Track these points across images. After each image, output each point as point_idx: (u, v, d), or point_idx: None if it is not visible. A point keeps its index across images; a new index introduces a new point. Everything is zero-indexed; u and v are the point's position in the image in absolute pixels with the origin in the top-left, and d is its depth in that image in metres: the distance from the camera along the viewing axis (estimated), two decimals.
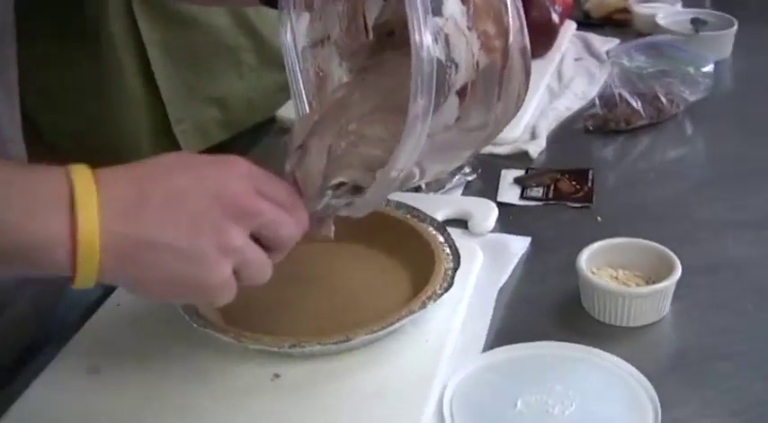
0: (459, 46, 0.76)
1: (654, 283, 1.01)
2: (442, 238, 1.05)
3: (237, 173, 0.77)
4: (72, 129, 1.51)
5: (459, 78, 0.78)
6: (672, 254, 1.02)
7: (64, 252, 0.70)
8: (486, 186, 1.29)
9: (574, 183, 1.27)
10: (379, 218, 1.07)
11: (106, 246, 0.70)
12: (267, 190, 0.78)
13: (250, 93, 1.56)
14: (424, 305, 0.94)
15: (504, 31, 0.79)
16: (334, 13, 0.95)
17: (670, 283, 0.99)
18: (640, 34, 1.80)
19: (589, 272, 1.01)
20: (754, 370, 0.95)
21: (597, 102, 1.45)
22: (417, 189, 1.23)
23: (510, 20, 0.79)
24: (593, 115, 1.45)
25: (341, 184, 0.86)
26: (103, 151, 1.36)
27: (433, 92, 0.74)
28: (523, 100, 0.85)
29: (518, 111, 0.86)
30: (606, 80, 1.47)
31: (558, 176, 1.29)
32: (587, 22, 1.88)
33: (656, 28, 1.73)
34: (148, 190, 0.72)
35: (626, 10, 1.89)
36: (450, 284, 0.97)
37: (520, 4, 0.80)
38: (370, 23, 0.96)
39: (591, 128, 1.44)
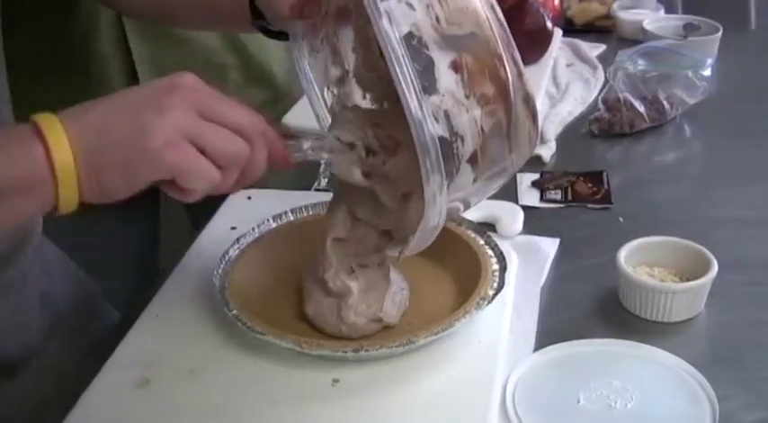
0: (461, 118, 0.78)
1: (687, 279, 1.04)
2: (482, 241, 1.06)
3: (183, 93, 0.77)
4: None
5: (467, 148, 0.79)
6: (707, 251, 1.05)
7: (45, 170, 0.72)
8: (503, 190, 1.29)
9: (590, 185, 1.30)
10: None
11: (76, 154, 0.72)
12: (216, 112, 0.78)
13: None
14: (479, 306, 0.95)
15: (503, 88, 0.80)
16: (348, 47, 0.95)
17: (709, 278, 1.02)
18: (623, 40, 1.84)
19: (630, 269, 1.03)
20: None
21: (602, 106, 1.48)
22: None
23: (507, 71, 0.80)
24: (597, 119, 1.48)
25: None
26: None
27: (443, 169, 0.77)
28: (536, 142, 0.87)
29: (533, 151, 0.88)
30: (611, 84, 1.49)
31: (574, 179, 1.31)
32: (571, 29, 1.91)
33: (642, 33, 1.76)
34: (105, 103, 0.76)
35: (608, 16, 1.93)
36: (502, 284, 0.98)
37: (514, 48, 0.81)
38: None
39: (596, 131, 1.47)
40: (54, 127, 0.72)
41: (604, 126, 1.47)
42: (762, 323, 1.03)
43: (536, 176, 1.33)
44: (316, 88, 0.99)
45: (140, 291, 1.51)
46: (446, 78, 0.77)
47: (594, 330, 1.01)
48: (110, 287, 1.41)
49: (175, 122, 0.74)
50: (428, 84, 0.76)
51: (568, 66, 1.72)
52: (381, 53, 0.88)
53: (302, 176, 1.35)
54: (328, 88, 0.98)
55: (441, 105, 0.77)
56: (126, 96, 0.77)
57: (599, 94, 1.56)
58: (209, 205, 1.29)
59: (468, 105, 0.78)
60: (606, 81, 1.58)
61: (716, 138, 1.51)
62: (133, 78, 1.43)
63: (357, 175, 0.87)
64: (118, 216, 1.50)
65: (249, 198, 1.27)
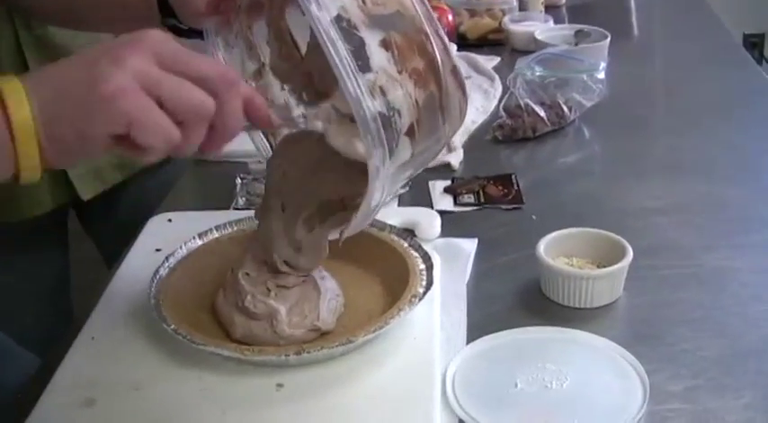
0: (396, 93, 0.81)
1: (604, 267, 1.09)
2: (406, 244, 1.09)
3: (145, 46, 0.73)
4: None
5: (405, 122, 0.82)
6: (622, 239, 1.10)
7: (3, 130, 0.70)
8: (418, 197, 1.35)
9: (500, 187, 1.35)
10: None
11: (34, 111, 0.70)
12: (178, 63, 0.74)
13: None
14: (411, 303, 0.98)
15: (431, 61, 0.83)
16: (262, 40, 0.98)
17: (625, 263, 1.07)
18: (516, 51, 1.91)
19: (550, 260, 1.07)
20: (710, 330, 1.04)
21: (503, 113, 1.53)
22: None
23: (434, 45, 0.83)
24: (501, 126, 1.53)
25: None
26: None
27: (385, 143, 0.79)
28: (465, 111, 0.90)
29: (463, 121, 0.91)
30: (512, 91, 1.54)
31: (485, 183, 1.36)
32: (465, 44, 1.97)
33: (534, 44, 1.83)
34: (65, 60, 0.74)
35: (499, 29, 1.99)
36: (431, 282, 1.02)
37: (438, 25, 0.85)
38: (299, 39, 1.00)
39: (500, 137, 1.52)
40: (13, 84, 0.71)
41: (508, 132, 1.52)
42: (677, 302, 1.09)
43: (447, 183, 1.38)
44: None
45: (54, 329, 1.51)
46: (378, 56, 0.80)
47: (521, 321, 1.05)
48: (22, 327, 1.40)
49: (130, 69, 0.71)
50: (362, 63, 0.79)
51: (467, 78, 1.77)
52: (296, 44, 0.93)
53: (219, 198, 1.37)
54: (246, 82, 0.98)
55: (376, 82, 0.79)
56: (86, 51, 0.74)
57: (499, 103, 1.62)
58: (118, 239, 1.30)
59: (402, 80, 0.81)
60: (505, 90, 1.64)
61: (613, 136, 1.59)
62: None
63: (359, 148, 0.86)
64: (29, 256, 1.49)
65: (170, 220, 1.29)
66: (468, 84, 1.66)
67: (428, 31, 0.83)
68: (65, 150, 0.72)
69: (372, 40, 0.80)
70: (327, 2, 0.79)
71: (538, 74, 1.54)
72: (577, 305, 1.07)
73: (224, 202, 1.36)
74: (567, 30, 1.89)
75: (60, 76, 0.73)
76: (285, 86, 0.98)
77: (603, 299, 1.07)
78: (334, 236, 0.96)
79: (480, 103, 1.65)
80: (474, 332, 1.03)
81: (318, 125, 0.89)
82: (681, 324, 1.04)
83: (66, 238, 1.60)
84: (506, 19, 1.99)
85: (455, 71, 0.85)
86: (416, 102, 0.82)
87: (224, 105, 0.75)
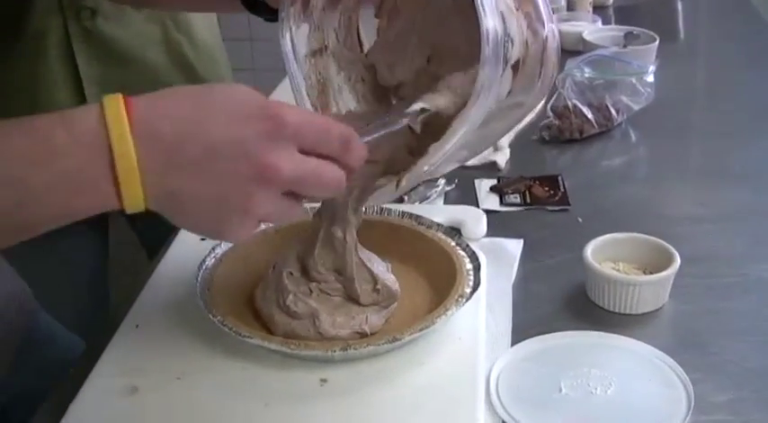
0: (512, 23, 0.81)
1: (650, 273, 1.08)
2: (453, 242, 1.09)
3: (283, 134, 0.73)
4: None
5: (514, 53, 0.82)
6: (669, 246, 1.09)
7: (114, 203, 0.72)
8: (464, 196, 1.35)
9: (546, 188, 1.34)
10: (388, 227, 1.12)
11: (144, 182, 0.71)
12: (314, 143, 0.76)
13: None
14: (458, 303, 0.98)
15: (540, 16, 0.85)
16: (331, 26, 0.99)
17: (672, 270, 1.06)
18: (564, 51, 1.88)
19: (596, 264, 1.07)
20: (755, 341, 1.03)
21: (551, 114, 1.52)
22: (400, 200, 1.27)
23: (542, 8, 0.86)
24: (548, 126, 1.52)
25: None
26: None
27: (500, 63, 0.79)
28: (554, 81, 0.92)
29: (548, 92, 0.93)
30: (560, 92, 1.54)
31: (531, 183, 1.35)
32: None
33: (581, 44, 1.82)
34: (184, 135, 0.72)
35: None
36: (478, 282, 1.02)
37: (548, 3, 0.87)
38: (364, 38, 1.01)
39: (547, 138, 1.52)
40: (131, 172, 0.71)
41: (555, 132, 1.52)
42: (723, 311, 1.08)
43: (493, 182, 1.37)
44: (294, 56, 0.98)
45: (92, 316, 1.52)
46: None
47: (566, 324, 1.05)
48: (61, 313, 1.41)
49: (256, 216, 0.75)
50: None
51: None
52: (360, 40, 0.96)
53: None
54: (305, 57, 0.99)
55: (497, 6, 0.79)
56: (218, 152, 0.72)
57: (546, 103, 1.61)
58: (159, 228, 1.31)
59: (518, 16, 0.82)
60: (552, 90, 1.63)
61: (660, 141, 1.58)
62: (81, 100, 1.43)
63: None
64: (70, 241, 1.50)
65: None
66: None
67: None
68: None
69: None
70: None
71: (587, 75, 1.54)
72: (623, 311, 1.06)
73: None
74: (616, 31, 1.88)
75: (181, 188, 0.73)
76: (341, 72, 0.99)
77: (649, 305, 1.06)
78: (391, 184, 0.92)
79: None
80: (518, 334, 1.03)
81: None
82: (725, 334, 1.03)
83: (106, 224, 1.61)
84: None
85: (555, 38, 0.88)
86: (526, 41, 0.83)
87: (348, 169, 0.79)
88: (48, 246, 1.47)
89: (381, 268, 1.01)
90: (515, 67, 0.83)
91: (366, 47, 1.02)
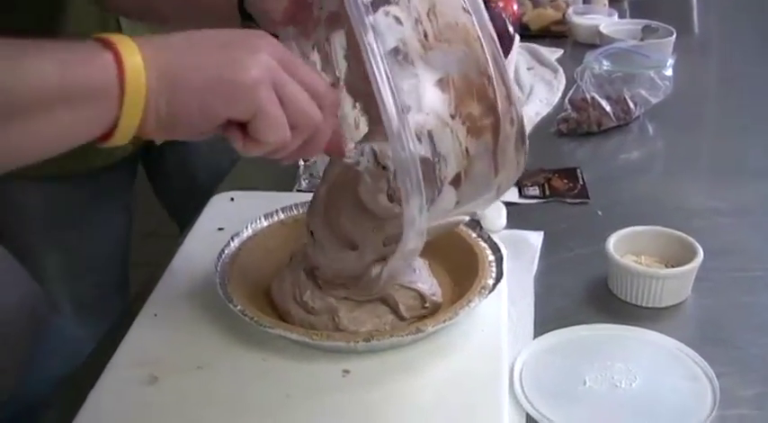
0: (445, 139, 0.76)
1: (672, 266, 1.07)
2: (474, 234, 1.08)
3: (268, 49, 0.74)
4: None
5: (450, 170, 0.77)
6: (692, 239, 1.08)
7: (112, 76, 0.68)
8: None
9: (565, 181, 1.33)
10: None
11: (148, 67, 0.69)
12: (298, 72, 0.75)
13: None
14: (481, 294, 0.97)
15: (491, 107, 0.77)
16: (341, 55, 0.94)
17: (695, 264, 1.05)
18: (579, 44, 1.89)
19: (618, 257, 1.06)
20: None
21: (568, 106, 1.51)
22: None
23: (496, 92, 0.77)
24: (566, 119, 1.52)
25: None
26: None
27: (423, 191, 0.74)
28: (524, 164, 0.85)
29: (521, 173, 0.86)
30: (579, 84, 1.53)
31: (550, 175, 1.35)
32: (527, 35, 1.95)
33: (598, 37, 1.81)
34: (182, 35, 0.74)
35: (562, 21, 1.97)
36: (500, 274, 1.01)
37: (505, 70, 0.79)
38: None
39: (565, 131, 1.51)
40: (125, 41, 0.69)
41: (572, 125, 1.51)
42: (747, 305, 1.07)
43: None
44: None
45: (111, 298, 1.51)
46: (432, 97, 0.75)
47: (588, 317, 1.04)
48: (79, 291, 1.41)
49: (267, 63, 0.72)
50: (412, 102, 0.74)
51: (529, 69, 1.76)
52: None
53: (281, 178, 1.36)
54: None
55: (424, 125, 0.75)
56: (207, 31, 0.74)
57: (563, 96, 1.60)
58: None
59: (453, 126, 0.76)
60: (569, 82, 1.62)
61: (679, 134, 1.57)
62: None
63: (382, 202, 0.83)
64: (93, 218, 1.49)
65: (232, 199, 1.28)
66: (530, 75, 1.67)
67: (492, 75, 0.77)
68: (176, 122, 0.72)
69: (428, 79, 0.76)
70: (386, 32, 0.75)
71: (605, 68, 1.53)
72: (645, 304, 1.05)
73: (286, 183, 1.36)
74: (632, 25, 1.87)
75: (190, 46, 0.73)
76: (357, 105, 0.94)
77: (672, 299, 1.06)
78: (376, 272, 0.91)
79: (544, 95, 1.64)
80: (540, 327, 1.02)
81: (362, 162, 0.83)
82: (749, 328, 1.03)
83: (130, 206, 1.60)
84: (570, 11, 1.97)
85: (515, 121, 0.80)
86: (467, 150, 0.77)
87: (324, 123, 0.76)
88: (70, 218, 1.47)
89: (427, 284, 0.99)
90: (456, 181, 0.78)
91: None
